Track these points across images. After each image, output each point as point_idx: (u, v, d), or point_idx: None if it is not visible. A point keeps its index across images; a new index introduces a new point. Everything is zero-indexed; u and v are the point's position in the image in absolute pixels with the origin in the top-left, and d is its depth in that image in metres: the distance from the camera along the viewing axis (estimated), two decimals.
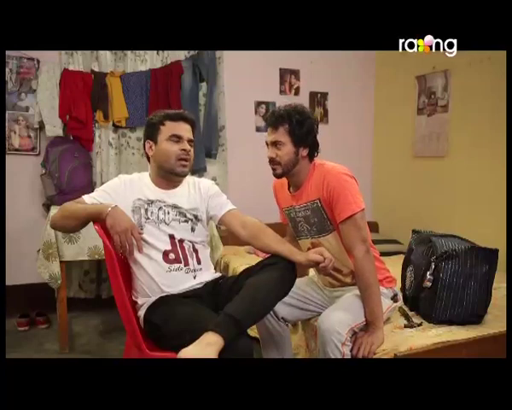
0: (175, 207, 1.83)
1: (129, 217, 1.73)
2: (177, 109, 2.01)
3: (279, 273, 1.70)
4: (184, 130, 1.84)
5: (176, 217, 1.82)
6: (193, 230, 1.84)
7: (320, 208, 1.87)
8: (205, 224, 1.90)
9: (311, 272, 2.23)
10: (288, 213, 2.02)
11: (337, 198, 1.80)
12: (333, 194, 1.81)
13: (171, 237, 1.80)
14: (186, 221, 1.84)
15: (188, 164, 1.84)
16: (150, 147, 1.86)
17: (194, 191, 1.90)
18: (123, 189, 1.83)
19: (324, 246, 1.93)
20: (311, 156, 1.91)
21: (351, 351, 1.75)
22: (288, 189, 2.00)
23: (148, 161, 1.91)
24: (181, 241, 1.81)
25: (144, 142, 1.89)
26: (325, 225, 1.89)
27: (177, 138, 1.82)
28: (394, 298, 1.97)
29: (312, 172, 1.91)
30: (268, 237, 1.79)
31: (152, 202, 1.82)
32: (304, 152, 1.88)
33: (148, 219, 1.79)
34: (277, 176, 1.92)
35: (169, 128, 1.82)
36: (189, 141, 1.85)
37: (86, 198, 1.79)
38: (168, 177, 1.85)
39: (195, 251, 1.84)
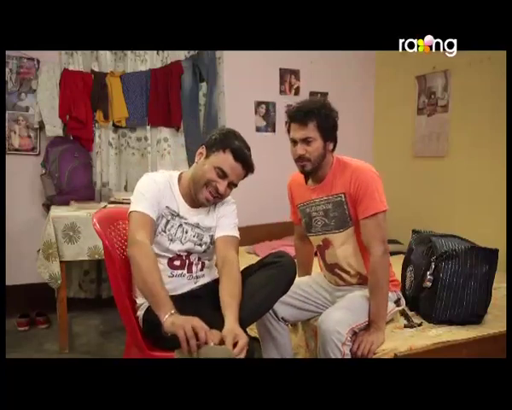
0: (196, 226, 1.76)
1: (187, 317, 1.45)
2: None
3: (278, 272, 1.70)
4: (235, 172, 1.70)
5: (192, 238, 1.76)
6: (205, 251, 1.81)
7: (343, 203, 1.87)
8: None
9: (316, 268, 2.24)
10: (304, 208, 2.02)
11: (364, 194, 1.81)
12: (360, 190, 1.81)
13: (179, 255, 1.76)
14: (200, 245, 1.78)
15: (213, 201, 1.74)
16: (201, 153, 1.74)
17: (213, 210, 1.82)
18: (158, 195, 1.71)
19: (337, 243, 1.93)
20: (333, 150, 1.92)
21: (350, 350, 1.75)
22: (306, 183, 2.00)
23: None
24: (188, 253, 1.78)
25: (201, 145, 1.77)
26: (345, 220, 1.89)
27: (221, 173, 1.69)
28: (398, 302, 1.98)
29: (337, 167, 1.91)
30: (227, 286, 1.62)
31: (176, 215, 1.75)
32: (330, 146, 1.89)
33: (165, 232, 1.73)
34: (306, 173, 1.91)
35: (223, 160, 1.68)
36: (231, 184, 1.72)
37: (142, 210, 1.64)
38: (194, 195, 1.75)
39: (201, 262, 1.82)
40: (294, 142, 1.87)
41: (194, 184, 1.73)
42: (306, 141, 1.83)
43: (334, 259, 1.97)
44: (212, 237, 1.81)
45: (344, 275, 1.98)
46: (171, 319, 1.44)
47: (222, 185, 1.70)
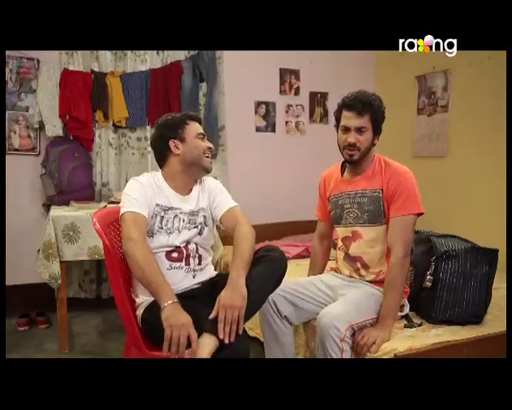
0: (191, 214, 1.84)
1: (187, 315, 1.52)
2: (177, 110, 2.02)
3: (268, 266, 1.72)
4: (202, 128, 1.92)
5: (187, 224, 1.82)
6: (200, 233, 1.85)
7: (379, 198, 1.92)
8: (211, 227, 1.91)
9: (328, 267, 2.24)
10: (336, 200, 2.05)
11: (401, 193, 1.86)
12: (399, 188, 1.87)
13: (177, 246, 1.80)
14: (196, 227, 1.84)
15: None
16: (176, 146, 1.83)
17: (203, 191, 1.91)
18: (145, 193, 1.77)
19: (367, 237, 1.96)
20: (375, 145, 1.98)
21: (353, 339, 1.76)
22: (342, 175, 2.05)
23: (160, 164, 1.89)
24: (187, 242, 1.82)
25: (166, 142, 1.83)
26: (378, 216, 1.93)
27: (202, 136, 1.88)
28: (401, 308, 1.97)
29: (378, 163, 1.96)
30: (237, 249, 1.73)
31: (169, 208, 1.81)
32: (376, 140, 1.95)
33: (162, 228, 1.78)
34: (353, 161, 1.95)
35: (193, 127, 1.87)
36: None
37: (133, 209, 1.71)
38: (195, 174, 1.87)
39: (198, 254, 1.85)
40: (347, 129, 1.92)
41: (194, 163, 1.84)
42: (360, 130, 1.89)
43: (359, 252, 1.99)
44: (205, 217, 1.87)
45: (362, 270, 2.00)
46: (166, 313, 1.49)
47: (208, 142, 1.90)
